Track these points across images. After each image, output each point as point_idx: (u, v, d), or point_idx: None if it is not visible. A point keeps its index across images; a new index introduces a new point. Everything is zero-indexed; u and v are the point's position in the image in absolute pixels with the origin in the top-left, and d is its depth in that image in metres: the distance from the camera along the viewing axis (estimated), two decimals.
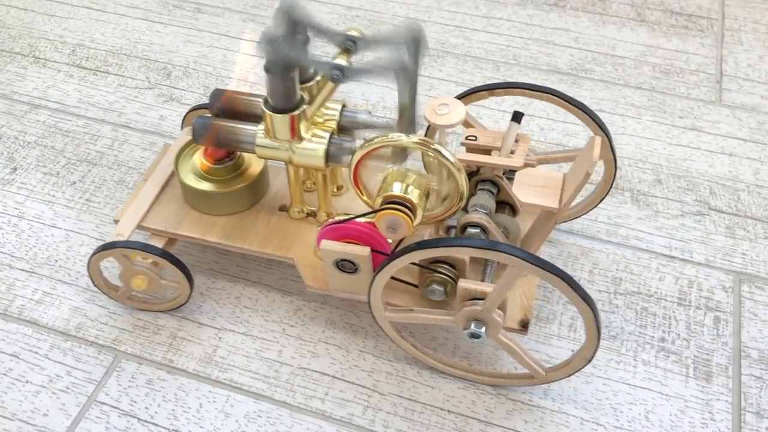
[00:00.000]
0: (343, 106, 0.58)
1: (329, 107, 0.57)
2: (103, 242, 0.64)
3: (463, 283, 0.50)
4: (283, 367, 0.59)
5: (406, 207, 0.50)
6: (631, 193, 0.73)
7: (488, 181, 0.56)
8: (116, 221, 0.60)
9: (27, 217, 0.71)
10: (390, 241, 0.55)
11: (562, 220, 0.67)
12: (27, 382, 0.58)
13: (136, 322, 0.62)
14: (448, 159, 0.50)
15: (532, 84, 0.58)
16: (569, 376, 0.54)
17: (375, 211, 0.51)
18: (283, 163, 0.57)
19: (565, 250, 0.68)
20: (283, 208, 0.61)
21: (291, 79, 0.52)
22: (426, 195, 0.52)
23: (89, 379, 0.58)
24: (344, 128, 0.58)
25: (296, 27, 0.52)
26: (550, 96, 0.58)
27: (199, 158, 0.61)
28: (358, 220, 0.54)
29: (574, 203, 0.69)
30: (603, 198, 0.64)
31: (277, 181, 0.64)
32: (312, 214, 0.61)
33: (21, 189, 0.73)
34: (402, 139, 0.50)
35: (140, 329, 0.62)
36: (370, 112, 0.58)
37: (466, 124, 0.61)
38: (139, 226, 0.60)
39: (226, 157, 0.60)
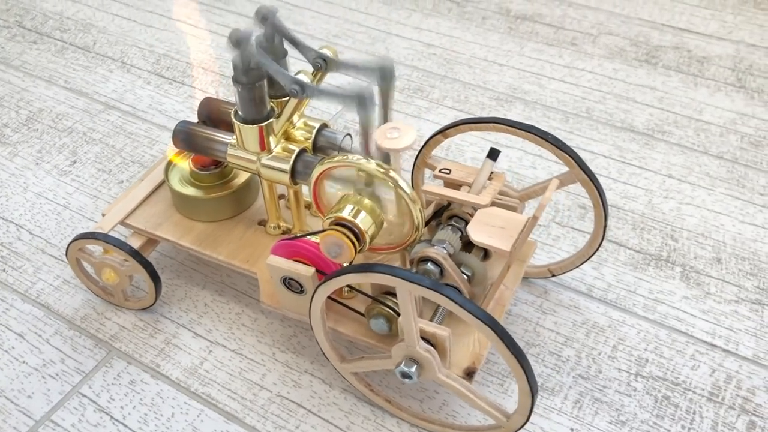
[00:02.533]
0: (324, 125, 0.56)
1: (310, 125, 0.56)
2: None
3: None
4: (262, 392, 0.57)
5: (352, 231, 0.48)
6: (682, 269, 0.66)
7: (458, 218, 0.53)
8: (104, 215, 0.62)
9: (71, 207, 0.74)
10: (345, 264, 0.52)
11: (558, 273, 0.62)
12: (23, 362, 0.60)
13: (137, 322, 0.63)
14: (403, 188, 0.47)
15: (514, 120, 0.54)
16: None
17: (319, 231, 0.49)
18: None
19: (591, 319, 0.62)
20: (262, 223, 0.61)
21: (259, 89, 0.51)
22: (379, 224, 0.50)
23: (79, 369, 0.59)
24: (321, 148, 0.56)
25: (272, 34, 0.52)
26: (532, 135, 0.53)
27: (189, 163, 0.62)
28: (310, 239, 0.52)
29: (566, 255, 0.65)
30: (594, 252, 0.59)
31: None
32: (287, 232, 0.59)
33: (74, 181, 0.77)
34: (361, 161, 0.48)
35: (139, 329, 0.62)
36: (350, 135, 0.56)
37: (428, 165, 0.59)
38: (123, 223, 0.61)
39: (212, 164, 0.61)
